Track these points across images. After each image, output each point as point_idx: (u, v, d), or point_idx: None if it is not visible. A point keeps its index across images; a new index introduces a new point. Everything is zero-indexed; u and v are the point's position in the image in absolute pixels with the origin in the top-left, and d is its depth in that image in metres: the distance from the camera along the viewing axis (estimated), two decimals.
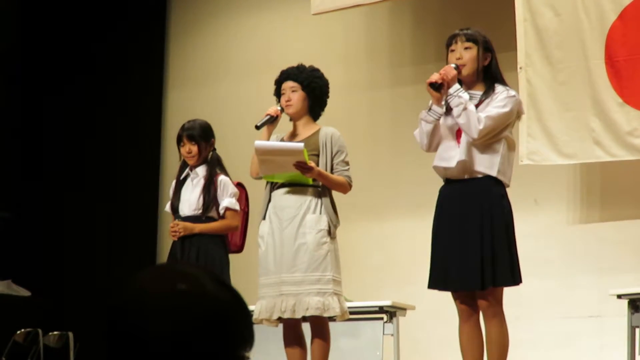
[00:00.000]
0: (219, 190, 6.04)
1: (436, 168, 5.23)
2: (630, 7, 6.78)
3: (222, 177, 6.08)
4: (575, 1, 6.91)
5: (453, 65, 5.11)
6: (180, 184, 6.16)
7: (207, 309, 1.61)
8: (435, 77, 5.10)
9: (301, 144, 5.43)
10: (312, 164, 5.42)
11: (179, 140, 6.15)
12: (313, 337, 5.52)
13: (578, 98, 6.90)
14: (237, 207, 6.07)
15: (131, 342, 1.60)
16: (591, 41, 6.87)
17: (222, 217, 6.05)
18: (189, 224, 6.01)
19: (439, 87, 5.08)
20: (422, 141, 5.26)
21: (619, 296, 6.19)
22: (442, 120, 5.19)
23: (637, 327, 6.08)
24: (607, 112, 6.80)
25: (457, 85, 5.09)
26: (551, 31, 7.01)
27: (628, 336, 6.10)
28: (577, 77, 6.91)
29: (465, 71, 5.14)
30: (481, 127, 4.98)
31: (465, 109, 5.02)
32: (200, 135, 6.11)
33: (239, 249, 6.38)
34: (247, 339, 1.64)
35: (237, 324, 1.63)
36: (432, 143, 5.23)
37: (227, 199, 6.04)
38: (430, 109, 5.19)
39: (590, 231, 7.43)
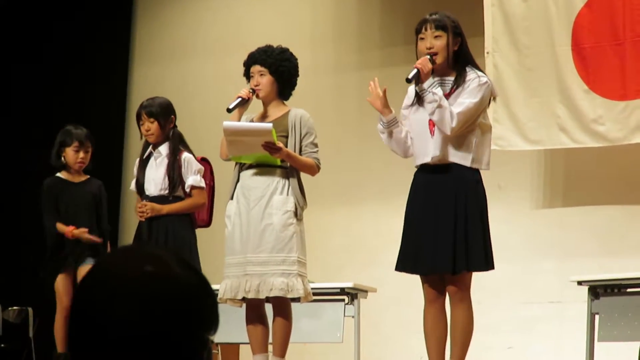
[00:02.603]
0: (183, 168, 6.02)
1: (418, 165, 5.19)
2: None
3: (185, 155, 6.05)
4: None
5: (428, 57, 5.05)
6: (144, 162, 6.12)
7: (173, 291, 1.60)
8: (412, 72, 5.01)
9: (269, 125, 5.41)
10: (280, 144, 5.40)
11: (138, 118, 6.11)
12: (275, 316, 5.52)
13: (544, 84, 6.93)
14: (203, 184, 6.06)
15: (96, 324, 1.58)
16: (558, 28, 6.90)
17: (189, 195, 6.03)
18: (156, 205, 5.97)
19: (417, 76, 5.00)
20: (396, 152, 5.24)
21: (580, 283, 6.23)
22: (412, 114, 5.16)
23: (597, 313, 6.13)
24: (572, 99, 6.84)
25: (431, 80, 5.04)
26: (519, 17, 7.03)
27: (588, 322, 6.15)
28: (543, 63, 6.94)
29: (438, 60, 5.06)
30: (454, 124, 4.94)
31: (439, 106, 4.96)
32: (159, 112, 6.05)
33: (207, 223, 6.35)
34: (212, 322, 1.64)
35: (203, 306, 1.63)
36: (405, 150, 5.19)
37: (192, 177, 6.01)
38: (380, 120, 5.19)
39: (553, 217, 7.47)
